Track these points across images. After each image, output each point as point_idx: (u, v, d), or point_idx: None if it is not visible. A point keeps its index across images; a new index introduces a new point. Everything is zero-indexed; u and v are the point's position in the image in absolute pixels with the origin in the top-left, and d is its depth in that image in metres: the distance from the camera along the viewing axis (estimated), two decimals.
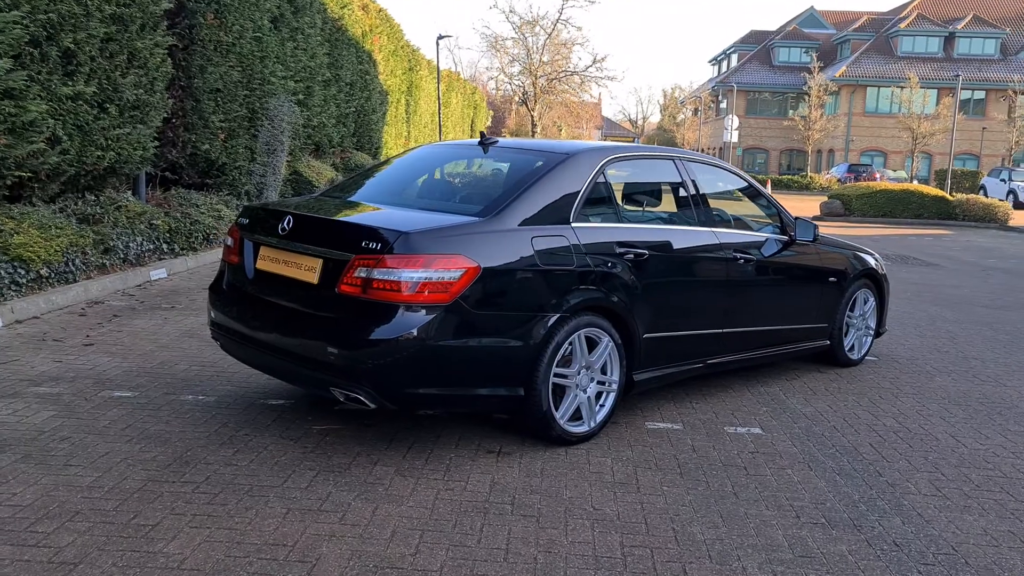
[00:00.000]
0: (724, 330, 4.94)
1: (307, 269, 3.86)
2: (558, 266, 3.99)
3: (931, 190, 23.77)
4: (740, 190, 5.49)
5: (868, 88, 50.46)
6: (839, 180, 34.30)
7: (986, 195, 29.00)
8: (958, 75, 31.53)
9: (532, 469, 3.83)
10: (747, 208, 5.54)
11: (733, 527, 3.34)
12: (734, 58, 62.58)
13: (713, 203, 5.12)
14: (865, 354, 6.20)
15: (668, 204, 4.95)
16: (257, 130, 11.53)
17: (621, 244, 4.31)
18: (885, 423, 4.78)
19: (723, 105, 59.05)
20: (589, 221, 4.27)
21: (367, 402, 3.64)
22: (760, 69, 57.69)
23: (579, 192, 4.25)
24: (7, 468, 3.56)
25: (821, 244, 5.67)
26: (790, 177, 45.50)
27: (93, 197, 8.22)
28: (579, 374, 4.13)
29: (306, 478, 3.60)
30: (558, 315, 3.95)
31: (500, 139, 4.85)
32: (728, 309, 4.94)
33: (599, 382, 4.25)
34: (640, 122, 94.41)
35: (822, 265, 5.67)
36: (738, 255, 4.97)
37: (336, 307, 3.70)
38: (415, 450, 3.99)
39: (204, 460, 3.75)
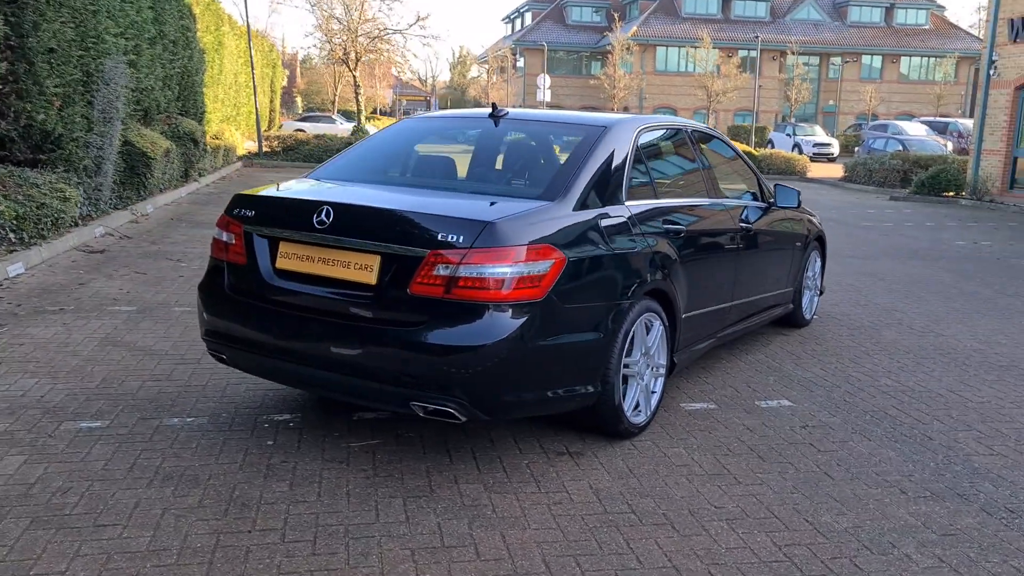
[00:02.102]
0: (733, 302, 4.89)
1: (360, 268, 3.34)
2: (625, 249, 3.73)
3: (740, 145, 25.37)
4: (729, 158, 5.43)
5: (658, 48, 52.88)
6: None
7: (774, 148, 31.38)
8: (757, 36, 33.83)
9: (618, 469, 3.59)
10: (730, 175, 5.49)
11: (858, 511, 3.28)
12: (528, 16, 63.29)
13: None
14: (813, 314, 6.42)
15: (683, 175, 4.80)
16: (93, 96, 10.13)
17: (665, 221, 4.11)
18: (885, 383, 4.95)
19: (519, 64, 59.68)
20: (636, 198, 4.02)
21: (457, 415, 3.23)
22: (554, 28, 58.75)
23: (625, 167, 3.99)
24: (25, 541, 2.83)
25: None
26: None
27: None
28: (639, 362, 3.91)
29: (396, 508, 3.15)
30: (628, 302, 3.70)
31: (510, 110, 4.46)
32: (736, 280, 4.89)
33: (651, 367, 4.06)
34: (430, 81, 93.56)
35: (793, 230, 5.77)
36: (742, 225, 4.92)
37: (410, 310, 3.23)
38: (483, 460, 3.62)
39: (263, 500, 3.18)
